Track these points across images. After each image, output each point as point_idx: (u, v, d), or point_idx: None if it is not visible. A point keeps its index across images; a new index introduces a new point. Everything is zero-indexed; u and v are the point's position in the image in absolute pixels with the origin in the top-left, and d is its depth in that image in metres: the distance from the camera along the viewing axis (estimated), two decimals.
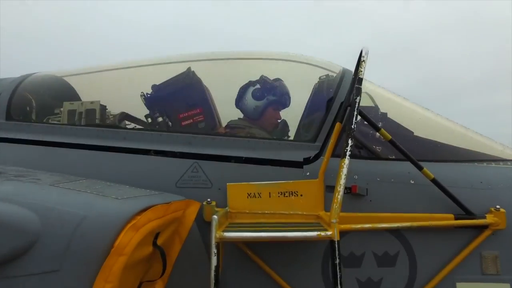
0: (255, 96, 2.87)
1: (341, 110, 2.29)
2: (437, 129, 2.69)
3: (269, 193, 2.17)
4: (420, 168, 2.10)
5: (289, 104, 3.00)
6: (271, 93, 2.87)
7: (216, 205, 2.19)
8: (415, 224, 1.98)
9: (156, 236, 1.77)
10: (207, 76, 2.91)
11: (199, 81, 2.85)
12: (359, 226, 1.92)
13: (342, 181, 1.77)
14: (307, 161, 2.26)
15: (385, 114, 2.61)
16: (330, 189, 2.21)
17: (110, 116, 3.01)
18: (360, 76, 1.96)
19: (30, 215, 1.47)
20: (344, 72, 2.60)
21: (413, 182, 2.21)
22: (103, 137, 2.48)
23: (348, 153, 1.80)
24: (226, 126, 2.91)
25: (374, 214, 2.15)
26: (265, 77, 2.89)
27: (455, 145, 2.52)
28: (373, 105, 2.67)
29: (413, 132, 2.58)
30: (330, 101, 2.43)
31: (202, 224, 2.14)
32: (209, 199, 2.18)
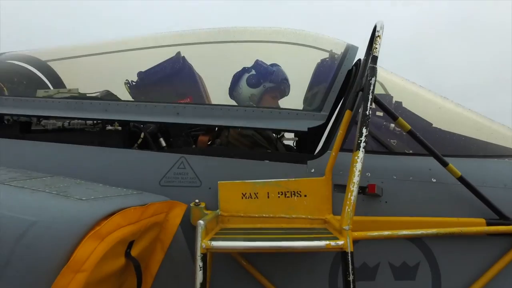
0: (250, 84, 2.55)
1: (350, 95, 1.98)
2: (459, 121, 2.38)
3: (268, 193, 1.86)
4: (445, 164, 1.79)
5: (288, 93, 2.69)
6: (267, 79, 2.56)
7: (206, 207, 1.88)
8: (442, 231, 1.66)
9: (130, 245, 1.46)
10: (199, 61, 2.59)
11: (189, 67, 2.53)
12: (376, 233, 1.60)
13: (356, 178, 1.45)
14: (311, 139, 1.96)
15: (399, 103, 2.29)
16: (339, 188, 1.89)
17: None
18: (375, 54, 1.65)
19: None
20: (348, 48, 2.27)
21: (435, 180, 1.89)
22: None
23: (362, 144, 1.48)
24: None
25: (391, 218, 1.83)
26: (261, 61, 2.57)
27: (481, 138, 2.20)
28: (386, 94, 2.36)
29: (431, 124, 2.26)
30: (336, 73, 2.15)
31: (189, 229, 1.81)
32: (197, 200, 1.87)
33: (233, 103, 2.59)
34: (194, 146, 2.39)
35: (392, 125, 2.19)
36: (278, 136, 2.68)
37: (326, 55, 2.47)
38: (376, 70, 1.60)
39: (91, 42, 3.06)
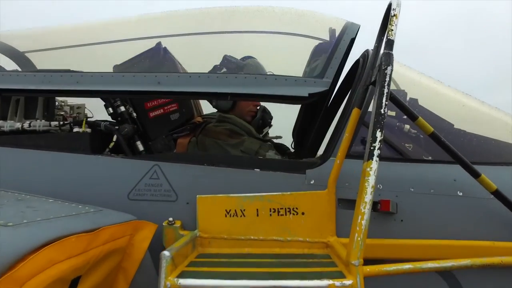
0: None
1: (358, 90, 1.64)
2: (486, 121, 2.02)
3: (257, 210, 1.52)
4: (476, 175, 1.45)
5: None
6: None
7: (182, 226, 1.55)
8: (477, 262, 1.31)
9: (76, 282, 1.13)
10: (182, 52, 2.25)
11: (171, 60, 2.20)
12: (393, 268, 1.25)
13: (368, 197, 1.11)
14: (310, 155, 1.60)
15: (415, 101, 1.95)
16: (344, 203, 1.56)
17: (65, 107, 2.39)
18: (391, 38, 1.31)
19: None
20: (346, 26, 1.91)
21: (461, 194, 1.55)
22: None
23: (376, 152, 1.14)
24: (203, 117, 2.28)
25: (408, 241, 1.49)
26: (229, 56, 2.22)
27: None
28: (398, 89, 2.01)
29: (453, 125, 1.91)
30: (338, 41, 1.80)
31: None
32: (171, 218, 1.54)
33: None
34: (174, 151, 2.08)
35: (407, 126, 1.85)
36: (263, 132, 2.35)
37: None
38: (393, 58, 1.26)
39: (71, 26, 2.73)
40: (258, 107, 2.36)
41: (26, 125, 2.00)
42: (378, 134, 1.15)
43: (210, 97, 1.73)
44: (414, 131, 1.83)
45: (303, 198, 1.52)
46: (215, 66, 2.27)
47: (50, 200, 1.42)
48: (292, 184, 1.58)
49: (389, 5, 1.43)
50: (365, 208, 1.10)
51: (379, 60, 1.33)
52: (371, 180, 1.12)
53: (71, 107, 2.43)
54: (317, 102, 2.29)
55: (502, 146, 1.82)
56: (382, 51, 1.33)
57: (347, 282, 1.03)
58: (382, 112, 1.18)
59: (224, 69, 2.20)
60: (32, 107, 2.15)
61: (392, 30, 1.31)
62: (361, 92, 1.55)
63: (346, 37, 1.83)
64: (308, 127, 3.09)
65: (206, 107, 2.46)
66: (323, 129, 2.91)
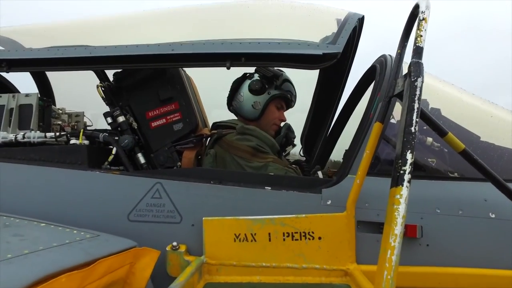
0: (253, 90, 2.12)
1: (375, 101, 1.51)
2: None
3: (269, 234, 1.38)
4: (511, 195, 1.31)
5: (293, 104, 2.27)
6: (273, 85, 2.12)
7: (187, 251, 1.42)
8: None
9: None
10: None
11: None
12: None
13: (398, 228, 0.97)
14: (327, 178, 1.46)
15: (438, 111, 1.81)
16: (363, 226, 1.42)
17: (62, 115, 2.26)
18: (419, 45, 1.17)
19: None
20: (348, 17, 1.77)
21: (494, 216, 1.41)
22: None
23: (407, 177, 1.00)
24: (213, 127, 2.14)
25: (435, 269, 1.36)
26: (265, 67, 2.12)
27: None
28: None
29: (479, 137, 1.77)
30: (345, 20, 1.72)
31: (164, 281, 1.35)
32: (175, 243, 1.40)
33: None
34: (179, 164, 1.94)
35: (430, 139, 1.71)
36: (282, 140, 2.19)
37: None
38: (423, 67, 1.13)
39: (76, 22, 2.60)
40: (282, 123, 2.22)
41: (19, 136, 1.87)
42: (409, 156, 1.01)
43: (225, 60, 1.61)
44: (437, 144, 1.70)
45: (319, 221, 1.38)
46: (245, 74, 2.23)
47: (42, 225, 1.29)
48: (307, 204, 1.44)
49: (416, 7, 1.30)
50: (395, 241, 0.96)
51: (406, 70, 1.19)
52: (402, 209, 0.98)
53: (69, 115, 2.31)
54: (330, 80, 2.32)
55: None
56: (408, 59, 1.20)
57: None
58: (413, 130, 1.04)
59: (256, 76, 2.15)
60: (26, 116, 2.03)
61: (421, 36, 1.18)
62: (383, 104, 1.41)
63: (354, 16, 1.75)
64: (317, 133, 2.97)
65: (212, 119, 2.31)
66: (334, 137, 2.78)
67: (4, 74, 2.39)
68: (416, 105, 1.06)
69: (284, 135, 2.13)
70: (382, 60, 1.87)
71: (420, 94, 1.08)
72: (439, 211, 1.42)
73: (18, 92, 2.59)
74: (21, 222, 1.28)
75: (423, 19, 1.19)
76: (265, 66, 2.08)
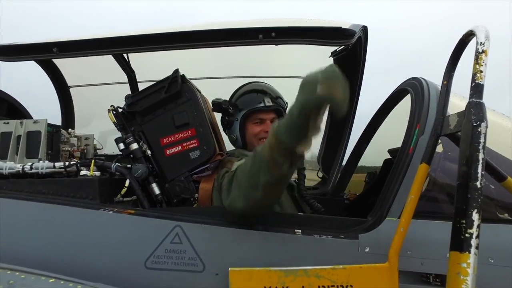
0: (224, 127, 2.14)
1: (415, 136, 1.38)
2: None
3: (302, 286, 1.25)
4: None
5: (276, 101, 2.05)
6: (232, 112, 2.05)
7: None
8: None
9: None
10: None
11: (190, 89, 1.95)
12: None
13: None
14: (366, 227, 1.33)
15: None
16: (406, 276, 1.28)
17: (71, 139, 2.15)
18: (479, 82, 1.03)
19: None
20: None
21: None
22: None
23: (474, 242, 0.87)
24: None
25: None
26: (215, 100, 2.08)
27: None
28: None
29: None
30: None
31: None
32: None
33: None
34: (196, 195, 1.82)
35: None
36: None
37: None
38: (485, 110, 0.99)
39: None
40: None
41: (27, 167, 1.76)
42: (475, 217, 0.88)
43: (257, 37, 1.63)
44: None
45: (359, 273, 1.24)
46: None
47: (51, 280, 1.17)
48: (343, 251, 1.31)
49: (468, 35, 1.16)
50: None
51: (469, 112, 1.04)
52: (470, 281, 0.84)
53: (79, 138, 2.21)
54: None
55: None
56: (464, 97, 1.07)
57: None
58: (479, 186, 0.90)
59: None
60: (35, 144, 1.92)
61: (482, 72, 1.04)
62: (429, 144, 1.27)
63: (357, 26, 1.74)
64: (335, 153, 2.87)
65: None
66: (355, 157, 2.66)
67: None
68: (481, 156, 0.93)
69: None
70: (415, 84, 1.73)
71: (484, 142, 0.95)
72: (492, 261, 1.27)
73: (31, 116, 2.51)
74: (27, 279, 1.16)
75: (483, 51, 1.05)
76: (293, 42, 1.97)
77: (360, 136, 2.56)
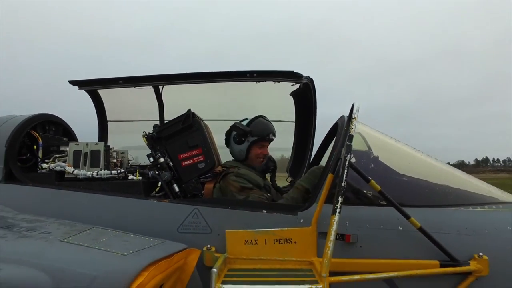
0: (235, 141, 3.08)
1: (332, 160, 2.43)
2: (425, 171, 2.82)
3: (265, 240, 2.30)
4: (407, 217, 2.23)
5: (274, 137, 3.15)
6: (248, 135, 3.03)
7: (216, 250, 2.32)
8: (401, 273, 2.11)
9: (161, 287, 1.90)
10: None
11: (198, 122, 2.98)
12: (347, 277, 2.04)
13: (332, 237, 1.90)
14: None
15: (376, 157, 2.74)
16: (323, 235, 2.33)
17: (113, 153, 3.15)
18: (351, 133, 2.10)
19: (43, 277, 1.59)
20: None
21: (401, 228, 2.33)
22: None
23: (338, 210, 1.93)
24: (222, 166, 3.05)
25: (364, 260, 2.27)
26: (238, 123, 3.10)
27: (442, 188, 2.65)
28: (366, 149, 2.80)
29: (403, 175, 2.71)
30: None
31: (203, 269, 2.26)
32: (208, 245, 2.31)
33: None
34: (202, 192, 2.85)
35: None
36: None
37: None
38: (351, 148, 2.06)
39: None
40: (266, 155, 3.14)
41: (94, 173, 2.77)
42: (340, 198, 1.95)
43: (245, 76, 2.89)
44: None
45: (295, 232, 2.30)
46: (231, 126, 3.18)
47: (132, 235, 2.19)
48: (288, 222, 2.36)
49: (352, 107, 2.23)
50: (330, 244, 1.90)
51: (344, 149, 2.10)
52: (334, 227, 1.91)
53: (117, 152, 3.21)
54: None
55: (432, 192, 2.61)
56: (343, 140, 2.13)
57: (319, 286, 1.81)
58: (343, 185, 1.97)
59: (234, 132, 3.10)
60: (95, 158, 2.92)
61: (352, 128, 2.11)
62: (334, 162, 2.34)
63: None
64: (300, 165, 3.95)
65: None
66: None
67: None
68: (345, 170, 1.99)
69: (265, 164, 3.08)
70: (343, 119, 2.79)
71: (349, 164, 2.01)
72: (369, 226, 2.34)
73: (76, 137, 3.52)
74: (121, 234, 2.17)
75: (354, 117, 2.12)
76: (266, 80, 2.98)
77: (316, 152, 3.65)
